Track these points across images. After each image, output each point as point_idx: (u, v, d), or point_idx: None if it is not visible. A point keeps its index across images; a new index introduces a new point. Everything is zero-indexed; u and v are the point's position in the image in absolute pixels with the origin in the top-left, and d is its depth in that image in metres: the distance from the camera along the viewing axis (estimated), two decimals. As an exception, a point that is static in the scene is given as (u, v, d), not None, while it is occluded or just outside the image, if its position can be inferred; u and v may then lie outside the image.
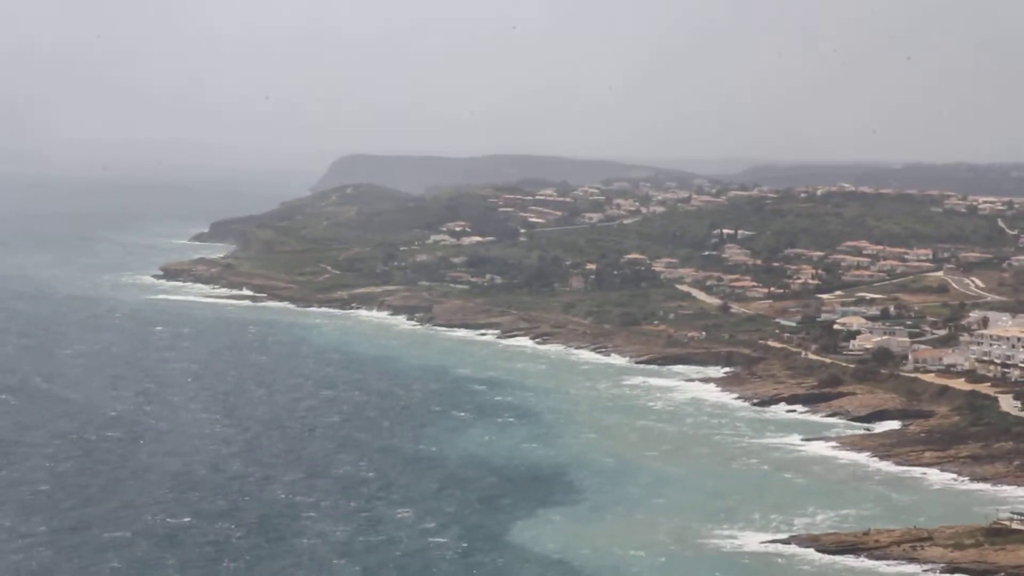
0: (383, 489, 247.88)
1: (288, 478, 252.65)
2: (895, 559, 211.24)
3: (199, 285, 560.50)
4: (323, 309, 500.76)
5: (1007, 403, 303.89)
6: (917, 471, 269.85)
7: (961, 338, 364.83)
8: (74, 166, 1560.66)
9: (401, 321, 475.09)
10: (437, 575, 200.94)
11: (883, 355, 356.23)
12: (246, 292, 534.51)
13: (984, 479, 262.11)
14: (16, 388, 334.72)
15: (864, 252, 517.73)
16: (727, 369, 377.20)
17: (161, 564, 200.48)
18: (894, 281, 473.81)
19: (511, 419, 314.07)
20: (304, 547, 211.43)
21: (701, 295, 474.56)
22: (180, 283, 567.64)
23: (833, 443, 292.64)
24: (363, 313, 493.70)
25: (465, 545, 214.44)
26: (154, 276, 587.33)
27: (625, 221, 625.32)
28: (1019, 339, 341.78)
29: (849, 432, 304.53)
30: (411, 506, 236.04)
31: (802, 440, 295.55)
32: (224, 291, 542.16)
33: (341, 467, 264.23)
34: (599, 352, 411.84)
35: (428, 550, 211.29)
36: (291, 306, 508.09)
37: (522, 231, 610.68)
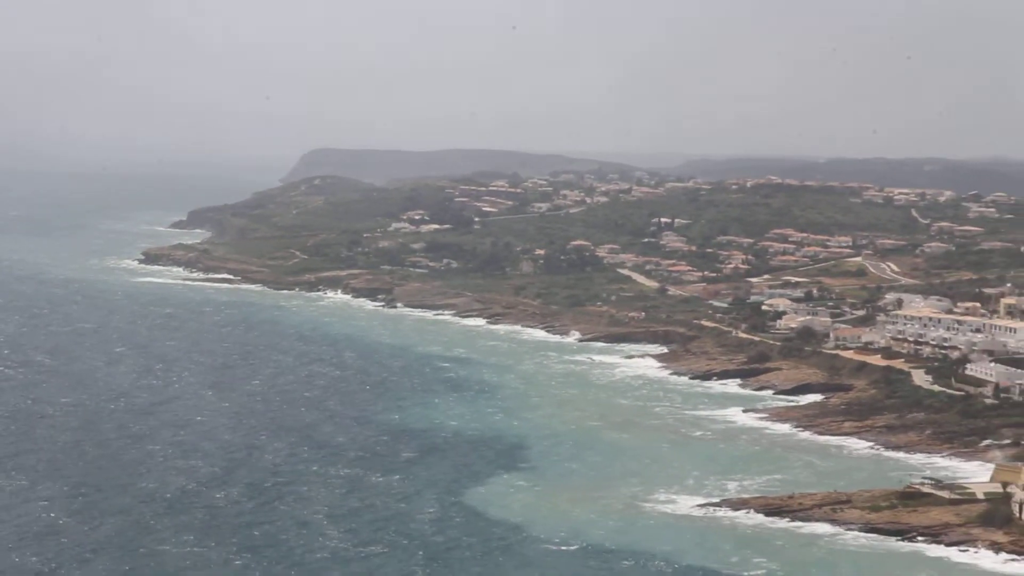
0: (361, 457, 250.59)
1: (275, 446, 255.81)
2: (817, 520, 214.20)
3: (177, 269, 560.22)
4: (293, 291, 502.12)
5: (919, 377, 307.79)
6: (837, 440, 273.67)
7: (878, 318, 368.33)
8: (76, 162, 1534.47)
9: (365, 303, 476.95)
10: (410, 537, 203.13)
11: (807, 333, 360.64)
12: (222, 275, 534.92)
13: (898, 447, 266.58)
14: (24, 363, 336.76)
15: (790, 239, 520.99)
16: (665, 347, 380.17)
17: (157, 528, 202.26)
18: (817, 266, 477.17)
19: (472, 393, 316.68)
20: (289, 512, 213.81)
21: (641, 278, 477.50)
22: (160, 267, 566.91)
23: (761, 415, 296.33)
24: (329, 295, 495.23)
25: (434, 510, 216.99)
26: (136, 260, 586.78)
27: (571, 210, 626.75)
28: (930, 319, 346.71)
29: (776, 404, 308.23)
30: (386, 473, 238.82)
31: (733, 412, 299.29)
32: (200, 275, 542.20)
33: (322, 437, 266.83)
34: (548, 331, 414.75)
35: (402, 514, 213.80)
36: (264, 288, 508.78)
37: (476, 219, 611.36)
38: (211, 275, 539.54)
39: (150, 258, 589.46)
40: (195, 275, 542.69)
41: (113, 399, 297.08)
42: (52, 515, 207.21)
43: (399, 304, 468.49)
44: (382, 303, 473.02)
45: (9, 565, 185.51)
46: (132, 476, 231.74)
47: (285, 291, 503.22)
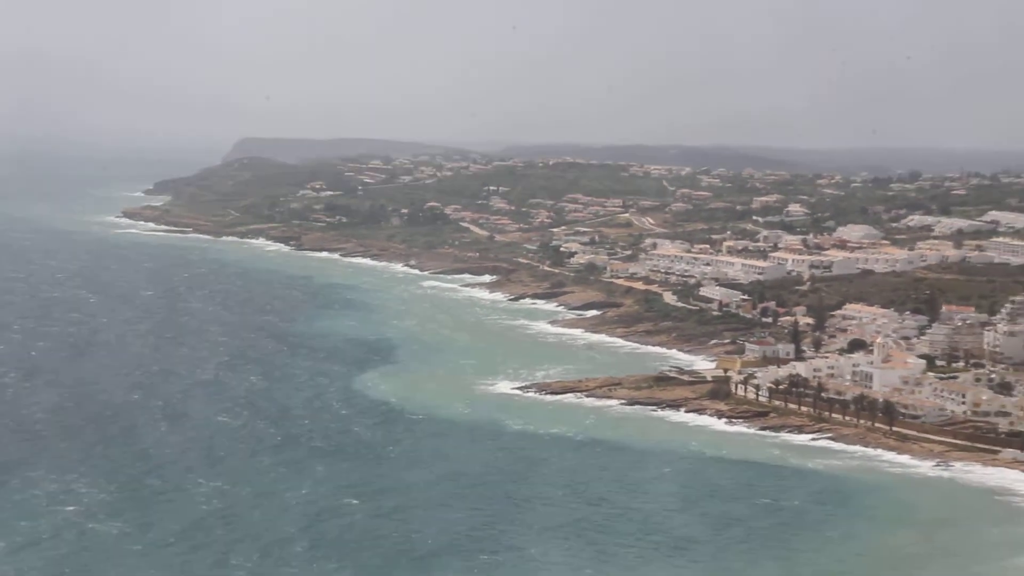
0: (308, 352, 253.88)
1: (259, 345, 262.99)
2: (598, 397, 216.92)
3: (147, 223, 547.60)
4: (230, 239, 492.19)
5: (668, 297, 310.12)
6: (612, 341, 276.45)
7: (640, 256, 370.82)
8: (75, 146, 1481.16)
9: (282, 247, 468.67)
10: (316, 409, 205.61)
11: (591, 267, 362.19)
12: (180, 228, 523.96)
13: (654, 345, 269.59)
14: (68, 289, 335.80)
15: (579, 201, 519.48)
16: (492, 277, 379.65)
17: (189, 401, 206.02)
18: (598, 220, 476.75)
19: (359, 309, 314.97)
20: (237, 393, 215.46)
21: (476, 229, 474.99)
22: (135, 221, 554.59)
23: (560, 324, 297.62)
24: (255, 241, 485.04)
25: (336, 392, 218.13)
26: (117, 217, 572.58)
27: (427, 181, 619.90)
28: (675, 256, 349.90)
29: (570, 317, 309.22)
30: (312, 361, 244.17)
31: (540, 322, 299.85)
32: (165, 227, 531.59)
33: (280, 335, 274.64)
34: (410, 267, 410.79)
35: (319, 393, 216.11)
36: (209, 237, 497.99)
37: (360, 187, 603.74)
38: (172, 227, 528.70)
39: (128, 215, 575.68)
40: (162, 227, 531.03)
41: (140, 315, 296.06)
42: (104, 394, 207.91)
43: (305, 248, 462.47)
44: (294, 247, 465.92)
45: (67, 425, 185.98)
46: (157, 364, 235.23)
47: (225, 238, 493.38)
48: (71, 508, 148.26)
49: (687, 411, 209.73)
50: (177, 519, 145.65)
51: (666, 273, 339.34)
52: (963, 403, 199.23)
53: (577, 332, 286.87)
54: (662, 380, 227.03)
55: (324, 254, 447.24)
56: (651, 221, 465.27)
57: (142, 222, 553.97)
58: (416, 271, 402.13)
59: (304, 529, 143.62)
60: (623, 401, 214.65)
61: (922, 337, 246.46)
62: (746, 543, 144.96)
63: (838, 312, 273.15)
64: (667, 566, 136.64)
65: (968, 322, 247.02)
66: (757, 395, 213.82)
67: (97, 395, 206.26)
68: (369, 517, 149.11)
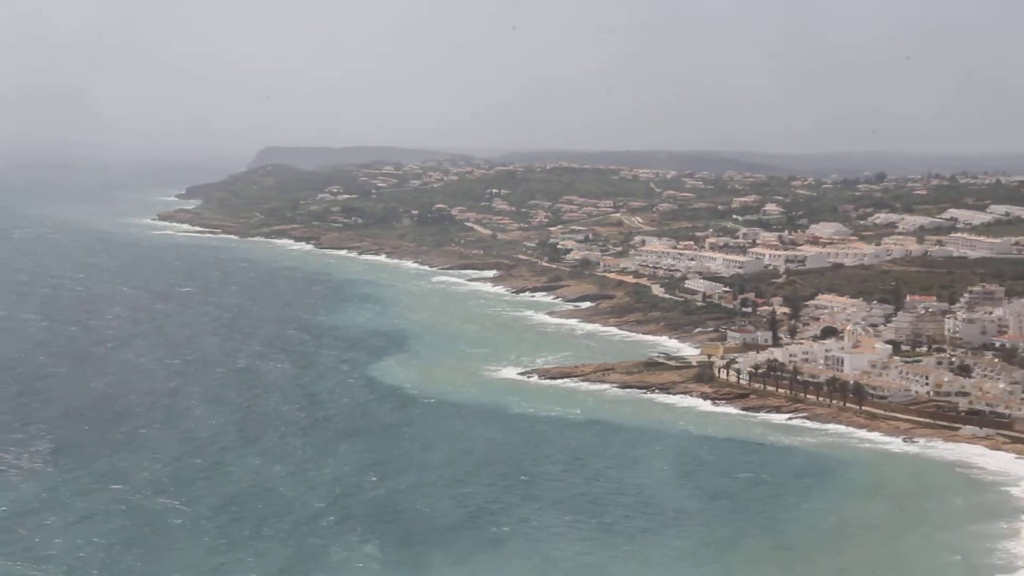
0: (324, 342, 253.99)
1: (286, 333, 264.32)
2: (592, 381, 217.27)
3: (180, 224, 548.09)
4: (256, 239, 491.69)
5: (656, 289, 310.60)
6: (605, 330, 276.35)
7: (630, 252, 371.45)
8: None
9: (303, 245, 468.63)
10: (339, 394, 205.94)
11: (585, 262, 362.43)
12: (211, 228, 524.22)
13: (644, 334, 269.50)
14: (118, 281, 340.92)
15: (574, 202, 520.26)
16: (495, 272, 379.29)
17: (222, 380, 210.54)
18: (591, 219, 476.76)
19: (374, 302, 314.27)
20: (268, 380, 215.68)
21: (479, 228, 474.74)
22: (169, 223, 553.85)
23: (557, 315, 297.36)
24: (279, 241, 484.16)
25: (355, 379, 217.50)
26: (152, 219, 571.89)
27: (434, 185, 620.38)
28: (662, 252, 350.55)
29: (566, 308, 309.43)
30: (332, 350, 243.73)
31: (539, 313, 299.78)
32: (197, 228, 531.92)
33: (300, 324, 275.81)
34: (420, 263, 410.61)
35: (340, 382, 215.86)
36: (237, 237, 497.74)
37: (373, 191, 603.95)
38: (203, 228, 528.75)
39: (162, 217, 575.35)
40: (194, 228, 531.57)
41: (178, 309, 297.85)
42: (147, 381, 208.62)
43: (325, 247, 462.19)
44: (314, 246, 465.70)
45: (114, 409, 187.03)
46: (194, 353, 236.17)
47: (252, 238, 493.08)
48: (118, 486, 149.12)
49: (675, 393, 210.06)
50: (216, 495, 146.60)
51: (654, 267, 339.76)
52: (926, 384, 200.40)
53: (573, 322, 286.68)
54: (651, 365, 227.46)
55: (342, 252, 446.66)
56: (640, 220, 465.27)
57: (176, 224, 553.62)
58: (426, 267, 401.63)
59: (331, 504, 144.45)
60: (616, 385, 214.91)
61: (888, 324, 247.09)
62: (733, 514, 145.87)
63: (811, 302, 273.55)
64: (662, 535, 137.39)
65: (930, 310, 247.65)
66: (738, 378, 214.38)
67: (140, 382, 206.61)
68: (389, 493, 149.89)
